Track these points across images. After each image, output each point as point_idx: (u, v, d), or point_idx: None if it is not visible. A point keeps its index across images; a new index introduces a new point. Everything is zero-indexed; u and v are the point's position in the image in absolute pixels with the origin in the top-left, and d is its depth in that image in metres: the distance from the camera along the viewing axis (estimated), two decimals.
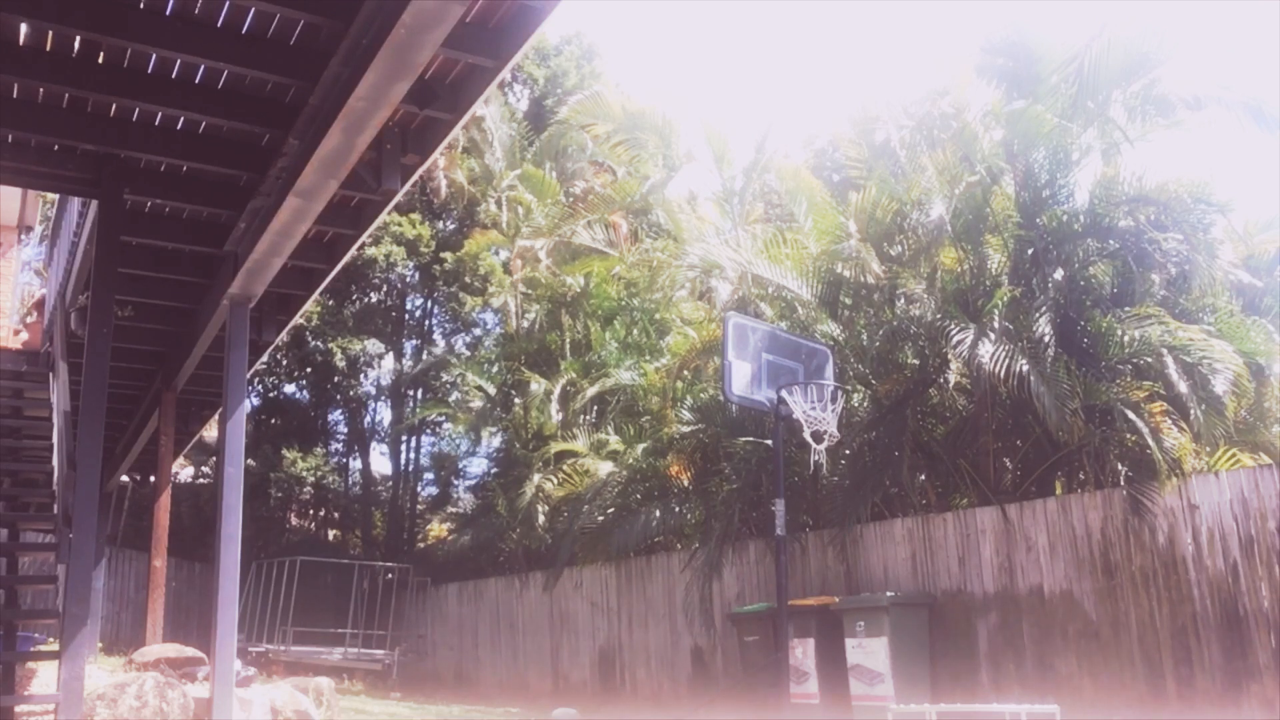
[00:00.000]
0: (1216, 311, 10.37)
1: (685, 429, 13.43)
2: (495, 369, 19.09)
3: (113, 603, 17.88)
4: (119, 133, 6.63)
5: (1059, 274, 10.52)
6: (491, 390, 18.79)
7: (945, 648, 9.90)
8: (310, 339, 21.92)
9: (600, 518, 14.30)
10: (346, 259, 8.29)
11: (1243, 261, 11.50)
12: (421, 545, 23.29)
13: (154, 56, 5.95)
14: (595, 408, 16.96)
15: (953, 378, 11.03)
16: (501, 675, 16.52)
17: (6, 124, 6.33)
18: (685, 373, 14.25)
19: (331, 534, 24.92)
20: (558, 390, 16.66)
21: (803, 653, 10.07)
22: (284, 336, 11.04)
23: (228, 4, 5.51)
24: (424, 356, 23.96)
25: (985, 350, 9.73)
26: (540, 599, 15.86)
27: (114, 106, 6.46)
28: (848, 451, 11.52)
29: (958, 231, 11.10)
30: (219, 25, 5.65)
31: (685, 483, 13.81)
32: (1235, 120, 10.42)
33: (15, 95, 6.26)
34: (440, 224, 22.95)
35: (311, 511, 24.79)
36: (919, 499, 11.46)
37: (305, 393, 24.04)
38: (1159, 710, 8.49)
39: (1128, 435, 9.56)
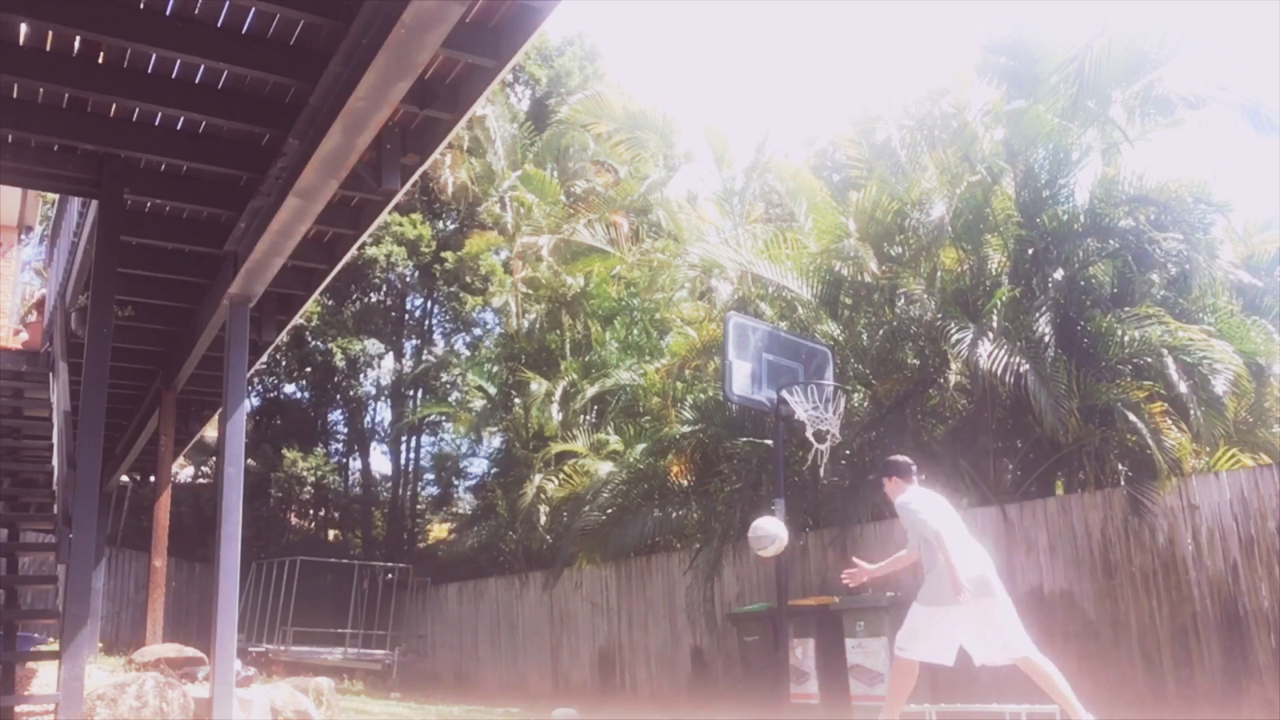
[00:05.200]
0: (1216, 311, 10.36)
1: (685, 429, 13.43)
2: (495, 369, 19.08)
3: (113, 603, 17.88)
4: (119, 133, 6.63)
5: (1059, 274, 10.52)
6: (492, 390, 18.78)
7: None
8: (310, 339, 21.93)
9: (600, 518, 14.29)
10: (346, 259, 8.29)
11: (1243, 261, 11.49)
12: (422, 545, 23.30)
13: (154, 56, 5.95)
14: (595, 408, 16.95)
15: (953, 378, 11.02)
16: (501, 675, 16.52)
17: (6, 124, 6.33)
18: (685, 373, 14.25)
19: (331, 534, 24.92)
20: (558, 390, 16.66)
21: (803, 653, 10.06)
22: (284, 336, 11.05)
23: (228, 4, 5.51)
24: (424, 356, 23.97)
25: (985, 350, 9.73)
26: (540, 599, 15.85)
27: (114, 106, 6.46)
28: (848, 451, 11.51)
29: (958, 231, 11.09)
30: (219, 25, 5.65)
31: (685, 483, 13.80)
32: (1233, 122, 10.42)
33: (15, 95, 6.25)
34: (441, 224, 22.97)
35: (311, 511, 24.80)
36: None
37: (305, 393, 24.06)
38: (1159, 710, 8.49)
39: (1128, 435, 9.56)
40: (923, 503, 5.73)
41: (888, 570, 6.09)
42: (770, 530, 6.54)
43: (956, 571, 5.33)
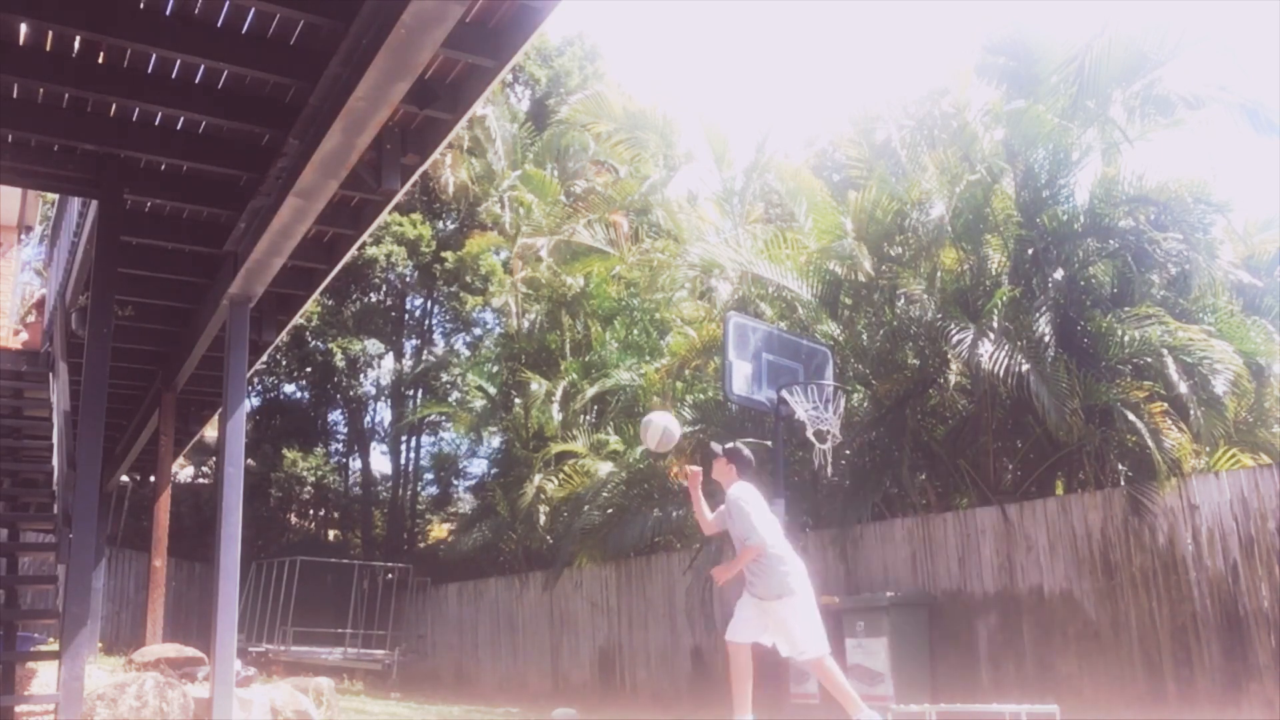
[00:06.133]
0: (1216, 311, 10.36)
1: (685, 429, 13.41)
2: (495, 369, 19.09)
3: (113, 603, 17.88)
4: (119, 133, 6.63)
5: (1059, 274, 10.51)
6: (492, 390, 18.79)
7: (945, 648, 9.89)
8: (310, 339, 21.94)
9: (600, 518, 14.30)
10: (346, 259, 8.29)
11: (1243, 261, 11.48)
12: (422, 545, 23.30)
13: (154, 56, 5.96)
14: (595, 408, 16.95)
15: (953, 378, 11.01)
16: (501, 675, 16.52)
17: (6, 124, 6.34)
18: (685, 373, 14.24)
19: (331, 534, 24.94)
20: (558, 391, 16.67)
21: None
22: (284, 336, 11.05)
23: (228, 4, 5.51)
24: (424, 356, 24.00)
25: (985, 350, 9.72)
26: (540, 599, 15.85)
27: (114, 106, 6.46)
28: (848, 452, 11.51)
29: (958, 231, 11.09)
30: (219, 25, 5.65)
31: (685, 483, 13.78)
32: (1233, 122, 10.42)
33: (15, 95, 6.26)
34: (441, 224, 22.98)
35: (311, 511, 24.82)
36: (919, 499, 11.46)
37: (305, 393, 24.07)
38: (1159, 710, 8.49)
39: (1128, 435, 9.55)
40: (755, 506, 6.08)
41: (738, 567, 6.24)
42: (660, 423, 6.34)
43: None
